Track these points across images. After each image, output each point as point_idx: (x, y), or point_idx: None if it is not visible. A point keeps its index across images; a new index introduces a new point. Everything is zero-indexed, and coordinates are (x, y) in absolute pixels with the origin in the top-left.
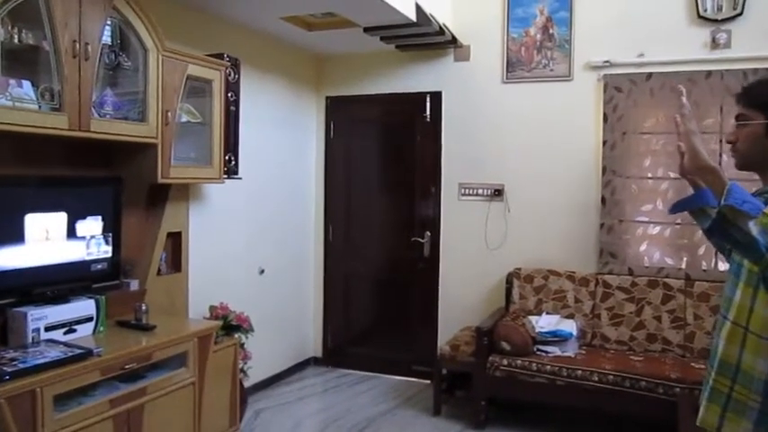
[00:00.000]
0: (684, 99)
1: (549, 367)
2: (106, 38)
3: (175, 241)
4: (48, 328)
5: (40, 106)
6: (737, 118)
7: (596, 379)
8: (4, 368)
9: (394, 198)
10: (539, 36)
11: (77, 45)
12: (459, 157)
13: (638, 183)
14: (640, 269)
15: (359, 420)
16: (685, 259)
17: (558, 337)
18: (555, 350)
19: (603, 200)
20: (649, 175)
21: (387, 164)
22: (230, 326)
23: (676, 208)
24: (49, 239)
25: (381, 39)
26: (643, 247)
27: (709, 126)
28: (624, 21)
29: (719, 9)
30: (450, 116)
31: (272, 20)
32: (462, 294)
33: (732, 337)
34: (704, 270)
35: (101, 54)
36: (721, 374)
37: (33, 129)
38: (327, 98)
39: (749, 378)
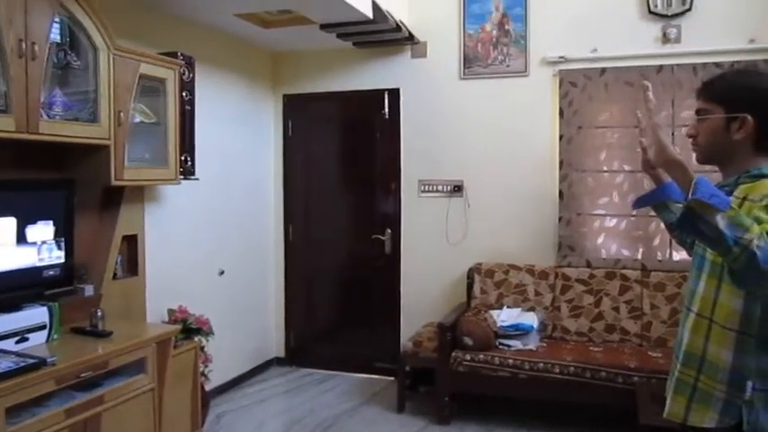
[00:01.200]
0: (650, 94)
1: (511, 361)
2: (55, 36)
3: (131, 244)
4: None
5: None
6: (698, 112)
7: (558, 371)
8: None
9: (354, 196)
10: (495, 32)
11: (23, 44)
12: (419, 154)
13: (594, 176)
14: (598, 261)
15: (323, 419)
16: (641, 250)
17: (519, 331)
18: (517, 344)
19: (561, 193)
20: (605, 168)
21: (346, 161)
22: (190, 329)
23: (640, 203)
24: None
25: (338, 36)
26: (600, 240)
27: (661, 120)
28: (578, 17)
29: (669, 5)
30: (409, 113)
31: (226, 17)
32: (424, 290)
33: (697, 328)
34: (659, 260)
35: (49, 53)
36: (686, 366)
37: None
38: (285, 96)
39: (714, 368)
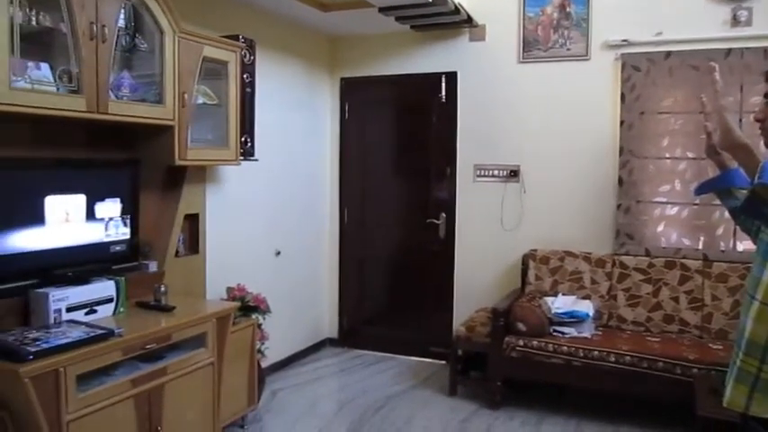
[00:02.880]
0: (717, 76)
1: (565, 348)
2: (128, 19)
3: (193, 223)
4: (69, 309)
5: (58, 88)
6: (767, 95)
7: (613, 360)
8: (28, 348)
9: (409, 180)
10: (555, 15)
11: (94, 27)
12: (475, 138)
13: (655, 163)
14: (657, 250)
15: (375, 400)
16: (703, 240)
17: (574, 318)
18: (571, 331)
19: (620, 180)
20: (667, 155)
21: (402, 145)
22: (248, 307)
23: (703, 189)
24: (68, 221)
25: (396, 19)
26: (660, 228)
27: (728, 105)
28: None
29: None
30: (466, 97)
31: (286, 1)
32: (478, 276)
33: (761, 316)
34: (722, 251)
35: (118, 36)
36: (749, 355)
37: (51, 111)
38: (342, 80)
39: None
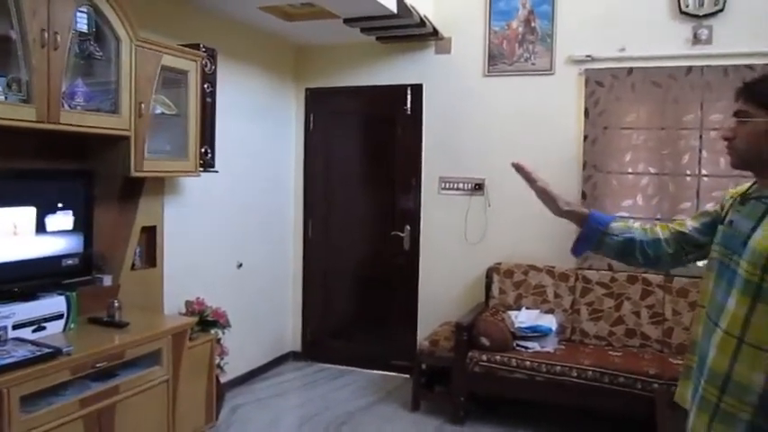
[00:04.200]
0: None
1: (528, 363)
2: (82, 26)
3: (150, 235)
4: (16, 326)
5: (6, 97)
6: (737, 114)
7: (575, 375)
8: None
9: (374, 191)
10: (521, 29)
11: (46, 34)
12: (440, 151)
13: (618, 178)
14: (620, 264)
15: (337, 415)
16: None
17: (537, 333)
18: (534, 346)
19: (584, 195)
20: (630, 170)
21: (367, 157)
22: (206, 321)
23: (580, 247)
24: (17, 234)
25: (362, 30)
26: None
27: (689, 122)
28: (606, 15)
29: (701, 5)
30: (432, 109)
31: (250, 9)
32: (442, 289)
33: (724, 346)
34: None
35: (71, 43)
36: (710, 383)
37: (0, 121)
38: (307, 90)
39: (742, 389)
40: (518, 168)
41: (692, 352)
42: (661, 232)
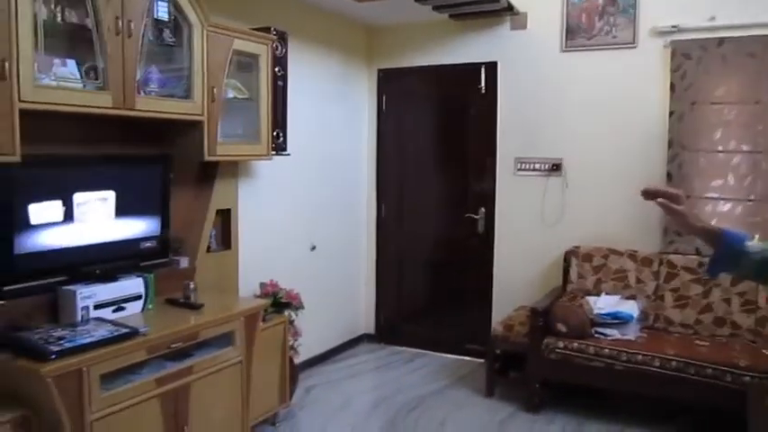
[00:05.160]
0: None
1: (607, 351)
2: (164, 14)
3: (225, 218)
4: (97, 306)
5: (84, 85)
6: None
7: (658, 364)
8: (51, 347)
9: (448, 173)
10: (601, 1)
11: (120, 22)
12: (516, 131)
13: (707, 156)
14: (709, 248)
15: (410, 399)
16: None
17: (617, 320)
18: (614, 333)
19: (669, 175)
20: (720, 148)
21: (440, 138)
22: (280, 303)
23: (716, 267)
24: (98, 217)
25: (434, 8)
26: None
27: None
28: None
29: None
30: (507, 88)
31: None
32: (518, 272)
33: None
34: None
35: (144, 31)
36: None
37: (77, 108)
38: (379, 71)
39: None
40: (649, 195)
41: None
42: None
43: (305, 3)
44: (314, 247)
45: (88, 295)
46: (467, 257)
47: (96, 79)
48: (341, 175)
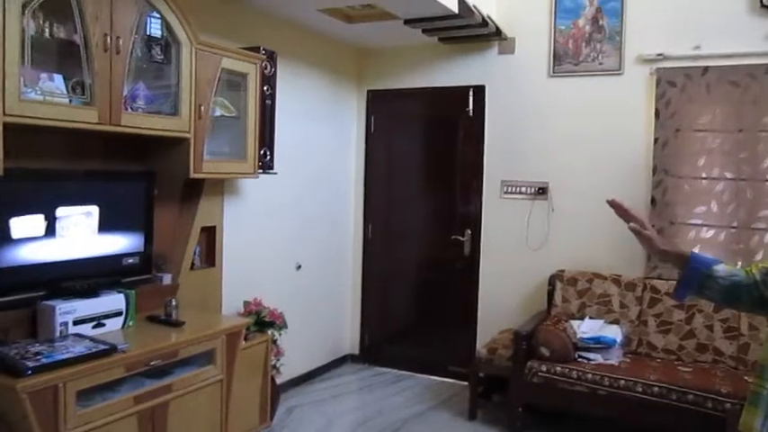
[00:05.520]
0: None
1: (590, 375)
2: (156, 31)
3: (210, 236)
4: (76, 322)
5: (70, 100)
6: None
7: (640, 390)
8: (27, 363)
9: (434, 195)
10: (588, 28)
11: (108, 39)
12: (503, 154)
13: (691, 183)
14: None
15: (392, 421)
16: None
17: (600, 344)
18: (597, 357)
19: (654, 201)
20: (704, 175)
21: (428, 159)
22: (263, 322)
23: (683, 290)
24: (79, 233)
25: (423, 31)
26: (696, 252)
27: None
28: (679, 11)
29: None
30: (494, 111)
31: (310, 12)
32: (502, 295)
33: None
34: None
35: (133, 47)
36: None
37: (62, 123)
38: (369, 92)
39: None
40: (614, 206)
41: (761, 377)
42: (757, 273)
43: (295, 24)
44: (299, 267)
45: (68, 311)
46: (452, 279)
47: (83, 95)
48: (328, 194)
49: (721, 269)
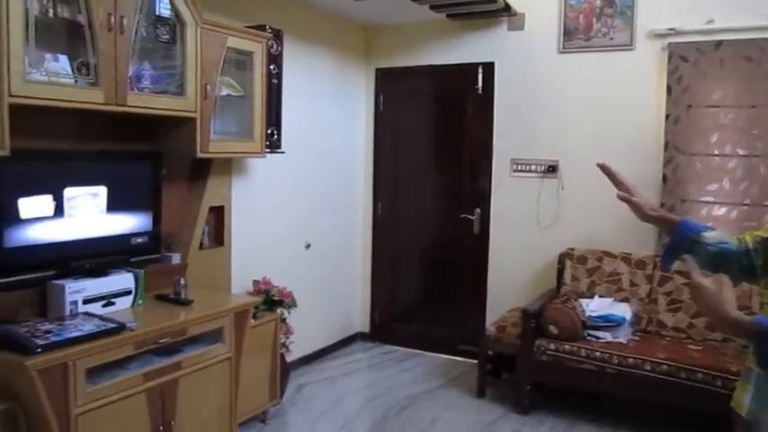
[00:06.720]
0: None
1: (598, 354)
2: (165, 11)
3: (218, 215)
4: (86, 301)
5: (76, 80)
6: None
7: (649, 368)
8: (37, 341)
9: (444, 173)
10: (598, 2)
11: (112, 18)
12: (512, 132)
13: (703, 160)
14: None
15: (401, 399)
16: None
17: (609, 322)
18: (606, 336)
19: (665, 178)
20: (716, 151)
21: (437, 137)
22: (272, 301)
23: (669, 256)
24: (88, 212)
25: (431, 7)
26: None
27: None
28: None
29: None
30: (503, 88)
31: None
32: (512, 273)
33: None
34: None
35: (137, 27)
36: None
37: (68, 103)
38: (377, 70)
39: None
40: (604, 169)
41: (754, 353)
42: (750, 241)
43: (302, 1)
44: (309, 246)
45: (77, 290)
46: (462, 258)
47: (88, 75)
48: (336, 173)
49: (710, 236)
